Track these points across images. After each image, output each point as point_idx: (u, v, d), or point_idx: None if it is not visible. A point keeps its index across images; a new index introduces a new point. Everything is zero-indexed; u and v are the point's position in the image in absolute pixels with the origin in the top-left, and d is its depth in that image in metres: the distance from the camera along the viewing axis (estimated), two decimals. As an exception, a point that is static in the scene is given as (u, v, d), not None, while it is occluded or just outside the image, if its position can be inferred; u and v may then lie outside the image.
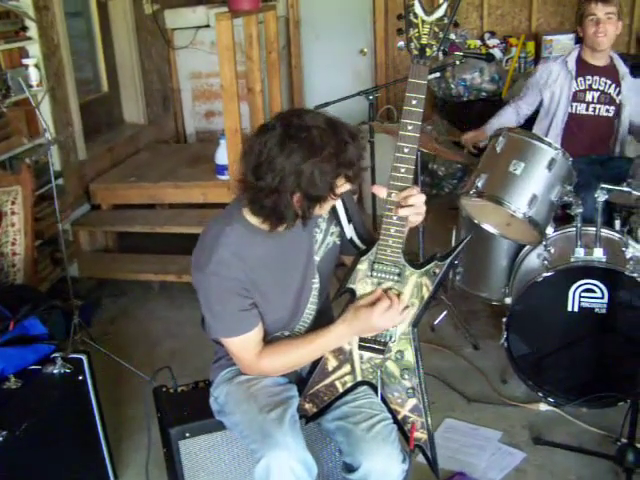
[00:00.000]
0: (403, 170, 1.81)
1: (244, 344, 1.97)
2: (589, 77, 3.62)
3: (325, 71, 6.68)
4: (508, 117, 3.80)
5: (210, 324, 1.99)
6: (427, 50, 1.74)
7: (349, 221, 2.00)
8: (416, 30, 1.73)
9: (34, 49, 3.86)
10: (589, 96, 3.61)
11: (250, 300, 1.94)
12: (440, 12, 1.71)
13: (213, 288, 1.91)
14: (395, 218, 1.85)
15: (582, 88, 3.62)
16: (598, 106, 3.62)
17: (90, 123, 4.89)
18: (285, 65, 6.41)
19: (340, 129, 1.78)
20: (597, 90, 3.62)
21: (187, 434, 2.18)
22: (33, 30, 3.84)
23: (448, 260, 1.90)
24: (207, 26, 5.80)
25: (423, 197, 1.85)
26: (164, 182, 4.64)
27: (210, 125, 6.14)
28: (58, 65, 4.33)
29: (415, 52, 1.75)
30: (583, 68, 3.63)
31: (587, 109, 3.63)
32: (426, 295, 1.91)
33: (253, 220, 1.91)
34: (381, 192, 1.87)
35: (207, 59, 5.81)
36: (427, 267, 1.91)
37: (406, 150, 1.80)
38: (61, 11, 4.35)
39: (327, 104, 3.72)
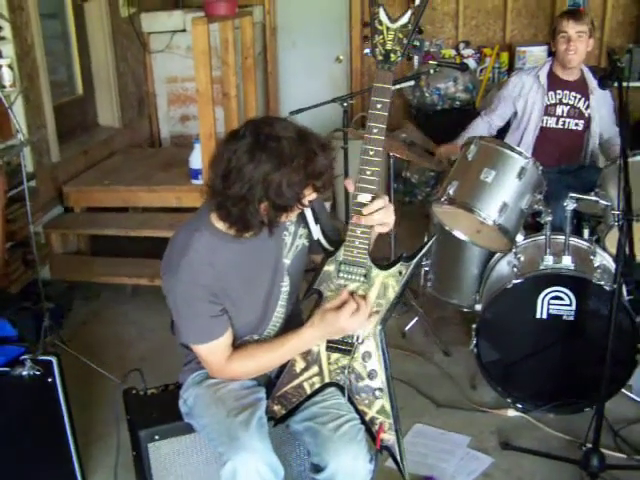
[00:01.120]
0: (369, 172, 1.85)
1: (213, 350, 1.98)
2: (559, 91, 3.69)
3: (301, 78, 6.70)
4: (480, 129, 3.83)
5: (180, 329, 2.00)
6: (392, 56, 1.80)
7: (316, 221, 2.02)
8: (381, 37, 1.79)
9: (7, 49, 3.83)
10: (559, 110, 3.69)
11: (220, 306, 1.95)
12: (404, 19, 1.77)
13: (182, 294, 1.92)
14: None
15: (553, 102, 3.69)
16: (567, 120, 3.69)
17: (64, 125, 4.86)
18: (261, 71, 6.42)
19: (310, 140, 1.79)
20: (567, 104, 3.69)
21: (156, 437, 2.17)
22: (7, 30, 3.82)
23: (414, 261, 1.93)
24: (183, 30, 5.79)
25: (391, 209, 1.88)
26: (138, 185, 4.62)
27: (185, 129, 6.13)
28: (32, 66, 4.30)
29: (380, 57, 1.80)
30: (554, 82, 3.70)
31: (557, 123, 3.70)
32: (392, 296, 1.94)
33: (220, 225, 1.92)
34: (350, 187, 1.89)
35: (183, 63, 5.80)
36: (393, 268, 1.93)
37: (372, 153, 1.84)
38: (36, 12, 4.32)
39: (302, 110, 3.75)
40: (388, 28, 1.78)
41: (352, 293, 1.92)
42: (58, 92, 4.92)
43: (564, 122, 3.69)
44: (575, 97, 3.67)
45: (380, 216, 1.86)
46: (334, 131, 5.49)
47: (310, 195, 1.84)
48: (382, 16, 1.78)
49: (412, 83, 4.40)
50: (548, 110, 3.70)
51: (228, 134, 1.87)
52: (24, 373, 2.41)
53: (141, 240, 4.42)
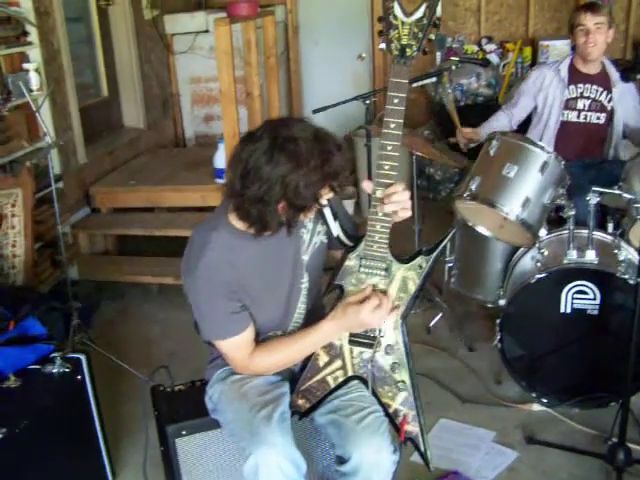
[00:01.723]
0: (387, 167, 1.86)
1: (236, 345, 2.01)
2: (581, 85, 3.67)
3: (324, 76, 6.72)
4: (501, 123, 3.82)
5: (201, 327, 2.04)
6: (407, 50, 1.80)
7: (335, 218, 2.04)
8: (396, 31, 1.79)
9: (35, 54, 3.90)
10: (580, 104, 3.67)
11: (239, 303, 1.98)
12: (419, 13, 1.77)
13: (202, 292, 1.95)
14: (380, 214, 1.89)
15: (574, 96, 3.67)
16: (589, 114, 3.66)
17: (90, 127, 4.93)
18: (284, 70, 6.45)
19: (326, 140, 1.82)
20: (588, 98, 3.66)
21: (183, 432, 2.21)
22: (34, 35, 3.88)
23: (434, 254, 1.95)
24: (206, 31, 5.85)
25: (408, 193, 1.89)
26: (163, 186, 4.68)
27: (209, 129, 6.18)
28: (58, 70, 4.38)
29: (396, 52, 1.81)
30: (575, 76, 3.68)
31: (578, 117, 3.68)
32: (413, 289, 1.95)
33: (239, 225, 1.95)
34: (369, 188, 1.91)
35: (206, 64, 5.85)
36: (413, 262, 1.95)
37: (389, 148, 1.85)
38: (61, 16, 4.39)
39: (325, 108, 3.76)
40: (403, 22, 1.78)
41: (374, 288, 1.94)
42: (84, 94, 4.99)
43: (585, 116, 3.67)
44: (597, 90, 3.65)
45: (399, 197, 1.87)
46: (357, 128, 5.52)
47: (327, 194, 1.87)
48: (397, 10, 1.78)
49: (434, 80, 4.41)
50: (569, 104, 3.68)
51: (246, 135, 1.90)
52: (54, 370, 2.46)
53: (167, 239, 4.47)
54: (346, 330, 1.99)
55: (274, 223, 1.86)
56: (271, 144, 1.78)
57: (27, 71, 3.79)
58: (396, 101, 1.83)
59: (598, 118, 3.67)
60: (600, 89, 3.65)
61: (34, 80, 3.80)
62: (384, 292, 1.95)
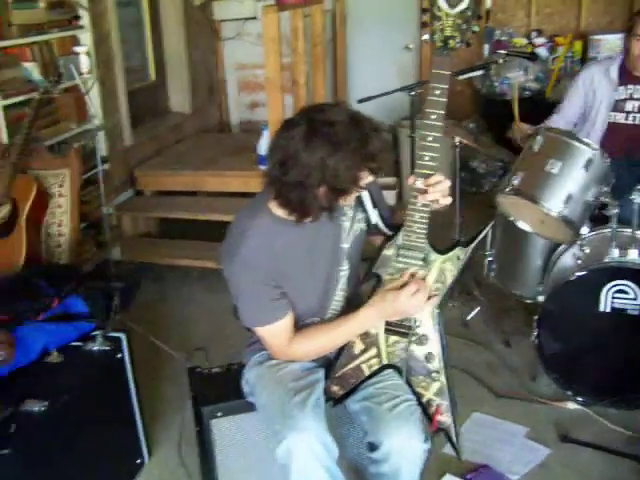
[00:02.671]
0: (427, 158, 1.88)
1: (275, 332, 2.04)
2: (631, 86, 3.57)
3: (370, 66, 6.71)
4: (556, 125, 3.67)
5: (241, 313, 2.06)
6: (450, 42, 1.81)
7: (374, 206, 2.05)
8: (440, 22, 1.80)
9: (85, 37, 3.97)
10: (629, 105, 3.57)
11: (279, 289, 2.01)
12: (463, 5, 1.78)
13: (242, 279, 1.98)
14: (419, 204, 1.91)
15: (623, 97, 3.58)
16: (637, 115, 3.57)
17: (137, 111, 5.00)
18: (330, 58, 6.45)
19: (363, 123, 1.83)
20: (638, 99, 3.57)
21: (219, 413, 2.25)
22: (85, 19, 3.96)
23: (471, 245, 1.96)
24: (254, 18, 5.87)
25: (449, 183, 1.90)
26: (206, 170, 4.73)
27: (254, 116, 6.22)
28: (108, 53, 4.44)
29: (439, 44, 1.82)
30: (625, 77, 3.57)
31: (626, 118, 3.60)
32: (450, 280, 1.97)
33: (279, 212, 1.97)
34: (412, 181, 1.92)
35: (253, 50, 5.89)
36: (451, 252, 1.96)
37: (430, 138, 1.87)
38: (112, 1, 4.45)
39: (370, 98, 3.77)
40: (447, 14, 1.79)
41: (413, 275, 1.95)
42: (132, 78, 5.06)
43: (634, 117, 3.58)
44: None
45: (442, 187, 1.88)
46: (402, 119, 5.50)
47: (367, 178, 1.88)
48: (441, 2, 1.79)
49: (481, 73, 4.37)
50: (618, 106, 3.59)
51: (283, 122, 1.92)
52: (95, 348, 2.52)
53: (208, 224, 4.52)
54: (384, 317, 2.01)
55: (315, 209, 1.88)
56: (308, 129, 1.80)
57: (78, 54, 3.86)
58: (438, 92, 1.84)
59: None
60: None
61: (84, 63, 3.87)
62: (422, 279, 1.96)
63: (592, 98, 3.64)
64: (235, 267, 1.97)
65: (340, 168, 1.79)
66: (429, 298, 1.96)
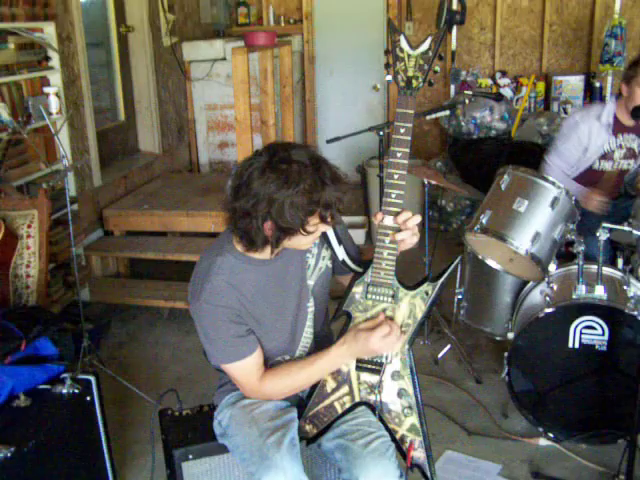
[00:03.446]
0: (394, 195, 1.90)
1: (245, 369, 2.03)
2: (621, 136, 3.57)
3: (338, 106, 6.80)
4: (562, 178, 3.54)
5: (209, 352, 2.05)
6: (413, 82, 1.84)
7: (339, 243, 2.06)
8: (402, 63, 1.84)
9: (55, 78, 3.97)
10: (617, 155, 3.59)
11: (245, 326, 2.00)
12: (425, 46, 1.82)
13: (208, 316, 1.97)
14: (387, 241, 1.93)
15: (613, 148, 3.58)
16: (622, 161, 3.62)
17: (106, 151, 5.00)
18: (299, 99, 6.53)
19: (322, 169, 1.83)
20: (624, 148, 3.59)
21: (190, 456, 2.22)
22: (55, 60, 3.96)
23: (440, 281, 1.97)
24: (223, 59, 5.94)
25: (419, 218, 1.92)
26: (176, 210, 4.73)
27: (223, 156, 6.25)
28: (77, 94, 4.45)
29: (402, 84, 1.85)
30: (617, 127, 3.55)
31: (612, 167, 3.62)
32: (419, 316, 1.98)
33: (242, 248, 1.98)
34: (378, 219, 1.94)
35: (222, 91, 5.95)
36: (420, 288, 1.98)
37: (396, 176, 1.89)
38: (83, 42, 4.48)
39: (338, 138, 3.81)
40: (409, 55, 1.83)
41: (387, 316, 1.97)
42: (101, 118, 5.08)
43: (619, 164, 3.63)
44: (633, 139, 3.59)
45: (412, 223, 1.90)
46: (370, 159, 5.57)
47: (317, 225, 1.88)
48: (403, 43, 1.83)
49: (448, 112, 4.46)
50: (607, 155, 3.59)
51: (251, 154, 1.94)
52: (64, 391, 2.48)
53: (178, 264, 4.51)
54: (355, 356, 2.01)
55: (259, 241, 1.89)
56: (266, 162, 1.82)
57: (47, 95, 3.86)
58: (402, 131, 1.88)
59: (628, 164, 3.63)
60: (636, 137, 3.58)
61: (54, 103, 3.86)
62: (392, 319, 1.97)
63: (586, 149, 3.58)
64: (200, 305, 1.96)
65: (286, 205, 1.79)
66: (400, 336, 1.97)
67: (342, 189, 1.87)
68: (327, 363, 2.02)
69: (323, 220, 1.86)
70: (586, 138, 3.54)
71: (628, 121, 3.52)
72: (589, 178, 3.62)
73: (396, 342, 1.95)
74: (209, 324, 1.99)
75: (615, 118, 3.55)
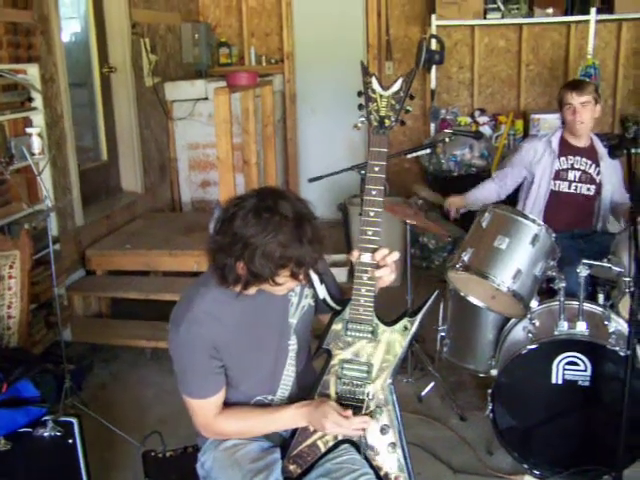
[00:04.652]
0: (370, 233, 1.93)
1: (203, 407, 2.04)
2: (571, 157, 3.78)
3: (320, 144, 6.85)
4: (489, 192, 3.93)
5: (178, 380, 2.06)
6: (386, 121, 1.91)
7: (321, 282, 2.07)
8: (375, 104, 1.91)
9: (38, 119, 3.98)
10: (571, 175, 3.76)
11: (219, 362, 2.01)
12: (396, 87, 1.89)
13: (184, 346, 1.98)
14: (365, 278, 1.95)
15: (565, 167, 3.77)
16: (580, 185, 3.76)
17: (88, 190, 5.00)
18: (281, 138, 6.57)
19: (304, 228, 1.83)
20: (579, 170, 3.77)
21: (174, 499, 2.21)
22: (38, 101, 3.97)
23: (419, 315, 2.00)
24: (205, 99, 5.99)
25: (397, 255, 1.95)
26: (158, 250, 4.72)
27: (205, 194, 6.26)
28: (60, 134, 4.47)
29: (375, 123, 1.92)
30: (565, 148, 3.79)
31: (569, 187, 3.78)
32: (399, 351, 2.00)
33: (216, 281, 1.97)
34: (354, 257, 1.96)
35: (204, 130, 5.98)
36: (399, 324, 2.00)
37: (372, 214, 1.93)
38: (65, 83, 4.51)
39: (320, 177, 3.83)
40: (381, 96, 1.90)
41: (355, 413, 1.98)
42: (83, 158, 5.08)
43: (576, 187, 3.76)
44: (586, 163, 3.76)
45: (391, 258, 1.93)
46: (352, 197, 5.59)
47: (286, 278, 1.88)
48: (375, 85, 1.91)
49: (428, 151, 4.51)
50: (560, 175, 3.78)
51: (249, 191, 1.96)
52: (45, 434, 2.46)
53: (161, 304, 4.49)
54: (309, 423, 2.04)
55: (230, 278, 1.90)
56: (252, 206, 1.84)
57: (30, 135, 3.86)
58: (377, 169, 1.92)
59: (588, 189, 3.76)
60: (589, 162, 3.77)
61: (36, 144, 3.86)
62: (369, 414, 1.99)
63: (534, 170, 3.81)
64: (178, 334, 1.96)
65: (258, 253, 1.80)
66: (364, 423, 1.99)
67: (317, 252, 1.88)
68: (283, 419, 2.06)
69: (294, 276, 1.88)
70: (530, 155, 3.84)
71: (575, 142, 3.79)
72: (553, 201, 3.79)
73: (347, 431, 1.98)
74: (183, 354, 1.99)
75: (563, 140, 3.81)
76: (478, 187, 4.01)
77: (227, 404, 2.08)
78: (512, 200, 3.97)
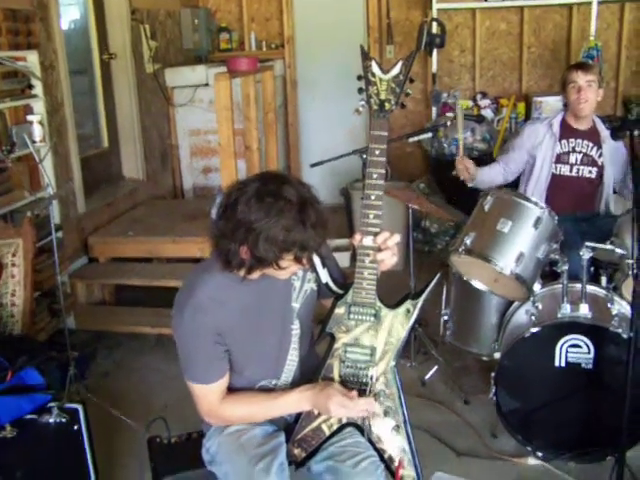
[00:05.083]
0: (372, 216, 1.93)
1: (208, 392, 2.05)
2: (572, 140, 3.77)
3: (321, 129, 6.83)
4: (495, 172, 3.91)
5: (182, 365, 2.06)
6: (386, 105, 1.90)
7: (323, 266, 2.07)
8: (375, 87, 1.90)
9: (39, 106, 3.97)
10: (572, 158, 3.75)
11: (223, 347, 2.01)
12: (395, 70, 1.88)
13: (187, 331, 1.98)
14: (367, 261, 1.95)
15: (565, 150, 3.76)
16: (581, 167, 3.75)
17: (90, 178, 4.99)
18: (282, 123, 6.55)
19: (307, 212, 1.83)
20: (580, 152, 3.76)
21: (179, 484, 2.21)
22: (38, 88, 3.96)
23: (421, 297, 2.00)
24: (206, 85, 5.96)
25: (398, 238, 1.95)
26: (161, 236, 4.72)
27: (207, 181, 6.25)
28: (61, 121, 4.46)
29: (375, 107, 1.91)
30: (567, 131, 3.78)
31: (571, 170, 3.76)
32: (402, 334, 2.01)
33: (220, 266, 1.97)
34: (356, 240, 1.96)
35: (205, 116, 5.95)
36: (401, 307, 2.01)
37: (373, 197, 1.93)
38: (65, 70, 4.49)
39: (321, 162, 3.83)
40: (381, 79, 1.89)
41: (360, 393, 1.99)
42: (85, 145, 5.07)
43: (578, 169, 3.75)
44: (588, 145, 3.75)
45: (392, 241, 1.93)
46: (354, 182, 5.59)
47: (290, 262, 1.88)
48: (374, 68, 1.90)
49: (430, 135, 4.49)
50: (561, 158, 3.77)
51: (251, 175, 1.96)
52: (51, 420, 2.47)
53: (164, 290, 4.49)
54: (313, 407, 2.04)
55: (234, 263, 1.90)
56: (256, 191, 1.83)
57: (31, 123, 3.85)
58: (377, 152, 1.92)
59: (590, 172, 3.75)
60: (591, 144, 3.75)
61: (37, 132, 3.85)
62: (375, 396, 2.01)
63: (536, 153, 3.80)
64: (182, 319, 1.97)
65: (261, 237, 1.80)
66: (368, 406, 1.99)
67: (321, 236, 1.87)
68: (289, 403, 2.06)
69: (298, 260, 1.87)
70: (533, 138, 3.83)
71: (577, 125, 3.78)
72: (555, 184, 3.78)
73: (352, 414, 2.00)
74: (187, 340, 2.00)
75: (564, 123, 3.80)
76: (487, 167, 3.98)
77: (231, 390, 2.09)
78: (514, 183, 3.96)
